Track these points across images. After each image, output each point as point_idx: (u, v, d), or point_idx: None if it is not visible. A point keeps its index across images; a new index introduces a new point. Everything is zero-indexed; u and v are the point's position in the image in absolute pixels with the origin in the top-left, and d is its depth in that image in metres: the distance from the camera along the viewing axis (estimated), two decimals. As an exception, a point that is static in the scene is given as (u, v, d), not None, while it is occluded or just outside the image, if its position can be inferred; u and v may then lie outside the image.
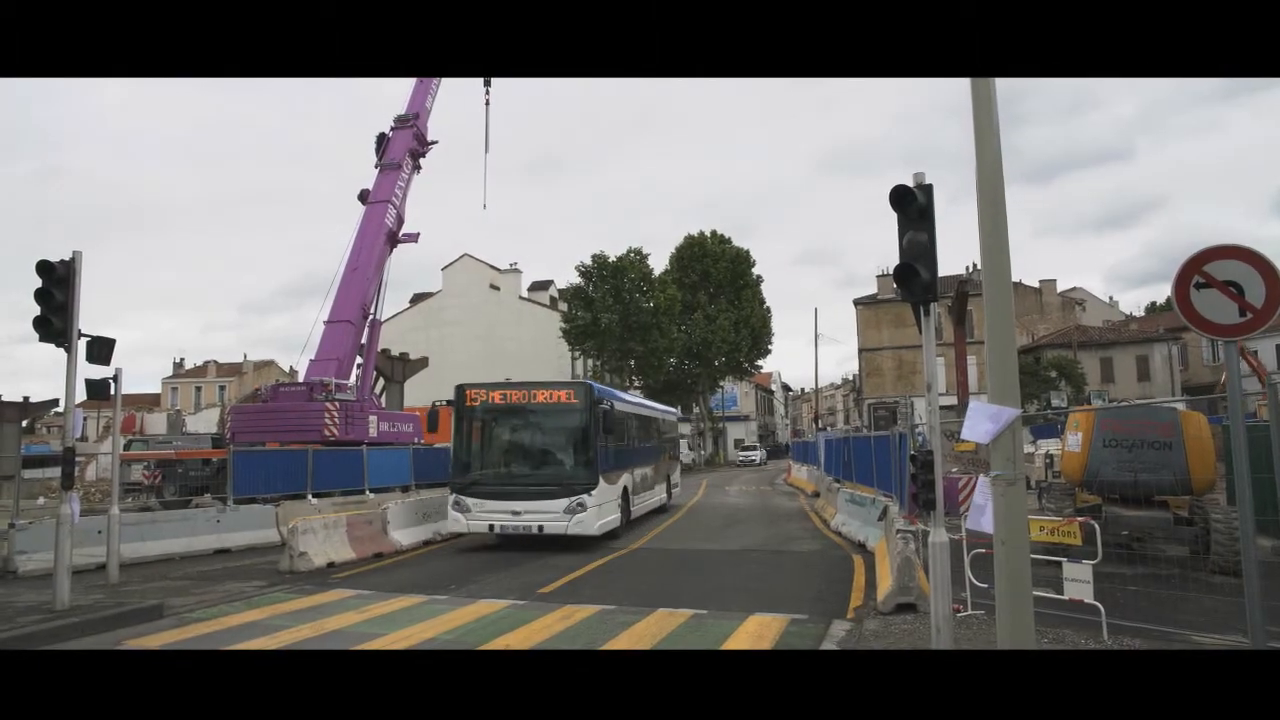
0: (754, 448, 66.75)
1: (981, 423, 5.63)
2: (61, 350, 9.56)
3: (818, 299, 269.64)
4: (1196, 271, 5.60)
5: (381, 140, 22.41)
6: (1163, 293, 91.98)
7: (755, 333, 55.57)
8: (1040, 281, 63.92)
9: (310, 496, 16.82)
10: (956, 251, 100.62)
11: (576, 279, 49.19)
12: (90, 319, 10.12)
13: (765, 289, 58.37)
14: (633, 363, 48.85)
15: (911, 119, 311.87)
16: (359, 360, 21.19)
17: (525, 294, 58.77)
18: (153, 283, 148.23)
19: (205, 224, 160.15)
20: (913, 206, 6.84)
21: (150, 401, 77.52)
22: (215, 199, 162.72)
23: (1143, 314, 71.67)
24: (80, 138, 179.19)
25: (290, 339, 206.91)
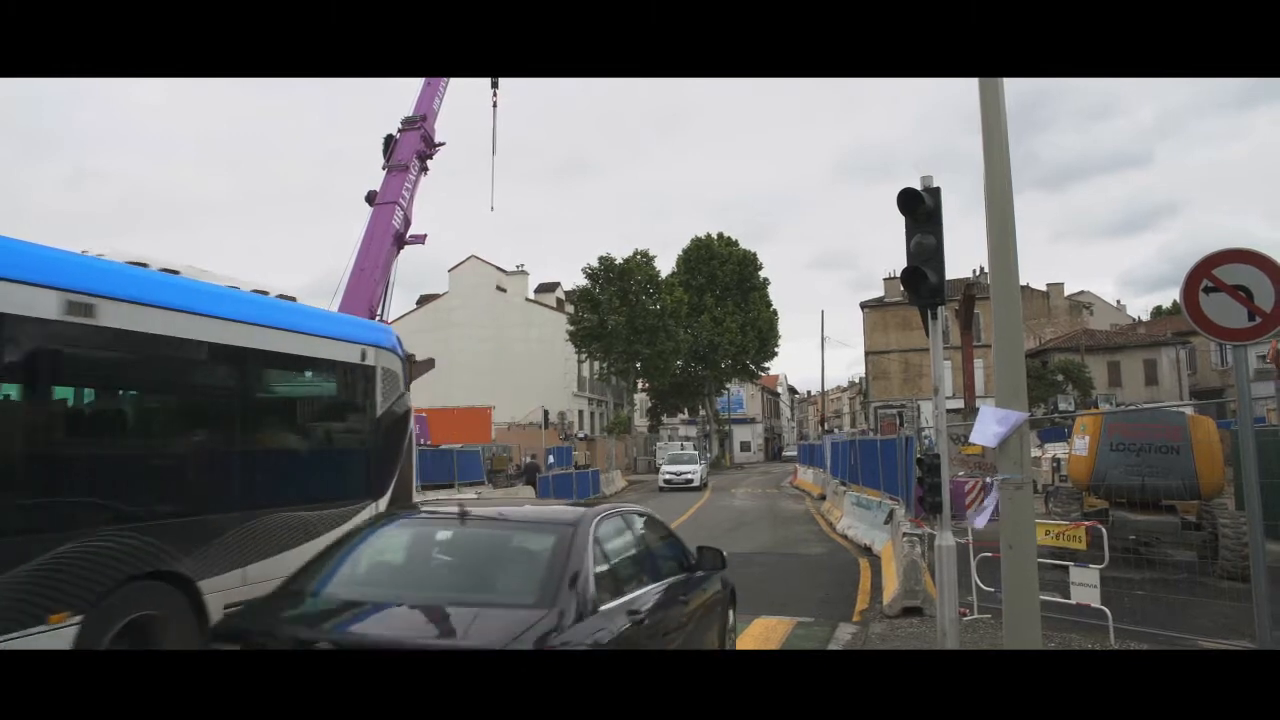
0: (691, 460, 39.17)
1: (989, 426, 5.62)
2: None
3: (832, 301, 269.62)
4: (1205, 275, 5.57)
5: (389, 142, 22.42)
6: (1173, 297, 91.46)
7: (762, 335, 55.70)
8: (1048, 285, 63.61)
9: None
10: (968, 256, 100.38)
11: (583, 281, 49.23)
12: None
13: (779, 291, 58.93)
14: (639, 365, 48.84)
15: (930, 124, 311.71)
16: None
17: (532, 296, 58.81)
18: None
19: (228, 223, 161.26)
20: (920, 209, 6.83)
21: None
22: (237, 199, 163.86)
23: (1150, 317, 71.35)
24: (108, 139, 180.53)
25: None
